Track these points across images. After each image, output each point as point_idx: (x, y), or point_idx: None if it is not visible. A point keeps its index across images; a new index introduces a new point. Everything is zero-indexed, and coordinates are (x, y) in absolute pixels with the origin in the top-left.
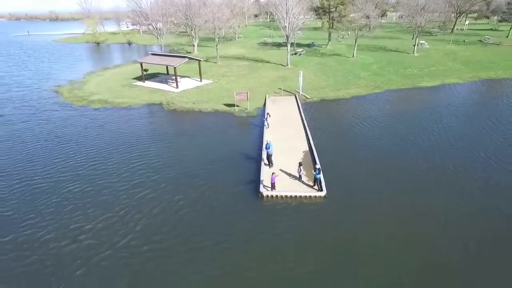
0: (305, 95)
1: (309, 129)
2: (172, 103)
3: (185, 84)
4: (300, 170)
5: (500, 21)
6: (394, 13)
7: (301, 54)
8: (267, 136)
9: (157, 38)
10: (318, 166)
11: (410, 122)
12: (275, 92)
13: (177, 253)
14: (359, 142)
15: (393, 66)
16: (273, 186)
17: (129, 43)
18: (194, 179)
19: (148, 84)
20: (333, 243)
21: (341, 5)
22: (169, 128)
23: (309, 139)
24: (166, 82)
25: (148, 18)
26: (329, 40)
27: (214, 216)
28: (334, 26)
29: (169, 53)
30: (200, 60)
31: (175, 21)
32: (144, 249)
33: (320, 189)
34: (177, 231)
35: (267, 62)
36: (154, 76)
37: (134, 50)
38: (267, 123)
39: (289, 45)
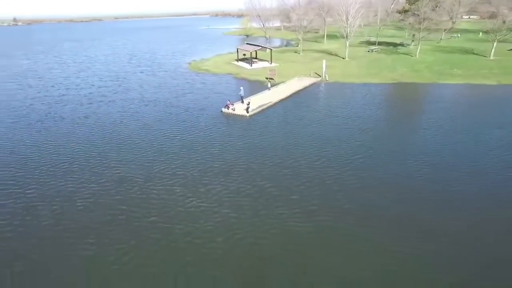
0: (326, 78)
1: (292, 93)
2: (239, 74)
3: (259, 65)
4: (249, 106)
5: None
6: None
7: (373, 51)
8: (265, 93)
9: (264, 32)
10: (247, 101)
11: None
12: (308, 74)
13: (176, 135)
14: (312, 104)
15: (444, 66)
16: (227, 107)
17: (267, 37)
18: (210, 101)
19: (239, 63)
20: (251, 131)
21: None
22: (227, 82)
23: (285, 98)
24: (249, 63)
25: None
26: (413, 41)
27: (199, 118)
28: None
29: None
30: (271, 49)
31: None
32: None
33: (248, 113)
34: (172, 125)
35: (335, 55)
36: (249, 59)
37: (265, 41)
38: (269, 87)
39: (347, 41)
